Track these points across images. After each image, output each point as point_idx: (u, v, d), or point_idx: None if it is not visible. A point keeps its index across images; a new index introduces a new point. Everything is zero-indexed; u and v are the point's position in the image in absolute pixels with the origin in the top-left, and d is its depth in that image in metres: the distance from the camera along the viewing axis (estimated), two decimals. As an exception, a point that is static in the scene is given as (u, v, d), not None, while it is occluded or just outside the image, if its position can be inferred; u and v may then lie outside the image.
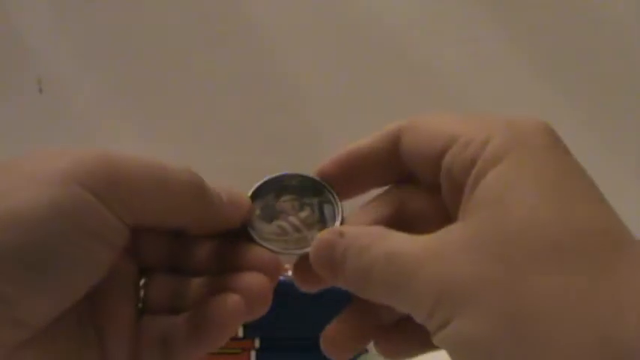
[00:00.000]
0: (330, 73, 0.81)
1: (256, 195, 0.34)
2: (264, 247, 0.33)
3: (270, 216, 0.34)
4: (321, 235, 0.30)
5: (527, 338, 0.22)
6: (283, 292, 0.73)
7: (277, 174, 0.35)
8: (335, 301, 0.74)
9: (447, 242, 0.26)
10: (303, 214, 0.34)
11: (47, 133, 0.82)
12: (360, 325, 0.35)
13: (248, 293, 0.30)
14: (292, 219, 0.34)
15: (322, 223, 0.34)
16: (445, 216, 0.29)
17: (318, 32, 0.82)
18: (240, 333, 0.70)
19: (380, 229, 0.29)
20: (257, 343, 0.70)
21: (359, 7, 0.83)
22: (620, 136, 0.81)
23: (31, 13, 0.80)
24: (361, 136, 0.33)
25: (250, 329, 0.70)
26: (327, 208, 0.34)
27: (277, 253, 0.33)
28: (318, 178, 0.34)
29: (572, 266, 0.23)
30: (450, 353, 0.25)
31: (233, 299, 0.30)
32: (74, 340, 0.28)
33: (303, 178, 0.35)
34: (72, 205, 0.25)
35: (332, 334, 0.36)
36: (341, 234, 0.29)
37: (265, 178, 0.35)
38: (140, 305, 0.31)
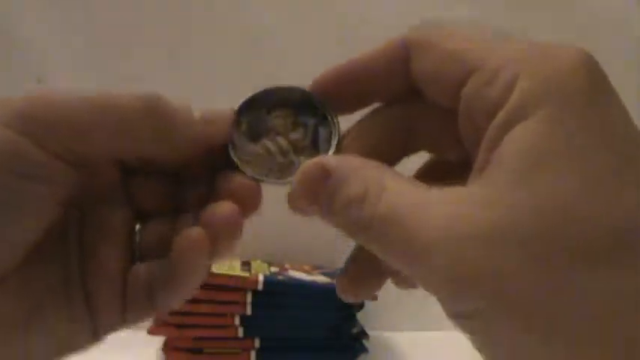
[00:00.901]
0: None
1: (247, 107, 0.30)
2: (241, 171, 0.29)
3: (258, 133, 0.30)
4: (304, 169, 0.26)
5: (573, 345, 0.20)
6: (283, 292, 0.73)
7: (276, 85, 0.30)
8: (335, 302, 0.74)
9: (468, 221, 0.21)
10: (295, 135, 0.30)
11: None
12: (371, 264, 0.30)
13: (211, 227, 0.27)
14: (280, 140, 0.30)
15: (314, 149, 0.30)
16: (460, 146, 0.26)
17: (317, 33, 0.82)
18: (241, 333, 0.70)
19: (377, 171, 0.25)
20: (257, 342, 0.70)
21: (357, 11, 0.83)
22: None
23: (31, 14, 0.80)
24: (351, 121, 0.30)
25: (250, 329, 0.70)
26: (323, 132, 0.30)
27: (256, 180, 0.29)
28: (319, 96, 0.29)
29: (622, 271, 0.20)
30: (472, 340, 0.22)
31: (192, 235, 0.27)
32: (59, 295, 0.28)
33: (304, 94, 0.30)
34: None
35: (345, 277, 0.31)
36: (326, 172, 0.26)
37: (261, 89, 0.30)
38: (137, 253, 0.30)
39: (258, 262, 0.78)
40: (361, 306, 0.75)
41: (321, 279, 0.74)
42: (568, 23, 0.81)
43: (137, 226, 0.30)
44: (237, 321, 0.69)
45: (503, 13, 0.81)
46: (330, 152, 0.29)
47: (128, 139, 0.26)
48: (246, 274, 0.70)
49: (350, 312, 0.73)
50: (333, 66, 0.29)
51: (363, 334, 0.75)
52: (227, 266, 0.71)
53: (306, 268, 0.79)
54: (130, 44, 0.81)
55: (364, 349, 0.75)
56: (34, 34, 0.80)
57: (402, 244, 0.23)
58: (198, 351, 0.70)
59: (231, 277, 0.68)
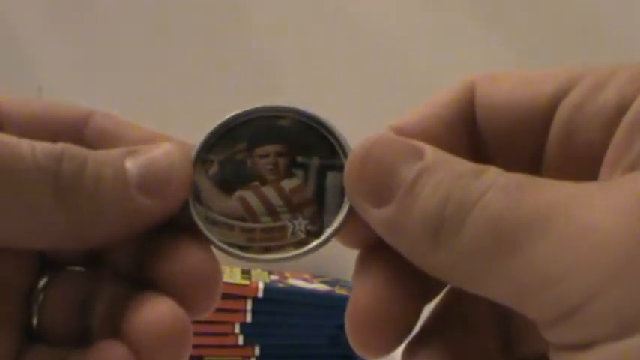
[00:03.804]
0: (328, 74, 0.82)
1: (218, 140, 0.21)
2: (204, 236, 0.20)
3: (233, 179, 0.20)
4: (368, 143, 0.18)
5: None
6: (283, 300, 0.73)
7: (262, 104, 0.21)
8: (335, 308, 0.74)
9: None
10: (290, 183, 0.20)
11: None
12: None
13: (139, 345, 0.19)
14: (267, 191, 0.20)
15: (318, 205, 0.20)
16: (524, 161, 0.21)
17: (315, 34, 0.83)
18: (241, 341, 0.70)
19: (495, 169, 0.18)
20: (257, 350, 0.70)
21: (357, 13, 0.83)
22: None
23: (32, 24, 0.80)
24: (359, 137, 0.23)
25: (250, 337, 0.70)
26: (333, 179, 0.20)
27: (226, 253, 0.20)
28: (327, 121, 0.21)
29: None
30: None
31: (115, 353, 0.19)
32: None
33: (302, 118, 0.20)
34: None
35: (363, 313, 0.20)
36: (418, 152, 0.18)
37: (238, 111, 0.21)
38: (34, 321, 0.20)
39: (259, 270, 0.78)
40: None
41: (320, 287, 0.74)
42: (568, 28, 0.81)
43: (42, 282, 0.21)
44: (237, 329, 0.69)
45: (502, 18, 0.82)
46: (345, 210, 0.20)
47: (25, 225, 0.18)
48: (246, 282, 0.70)
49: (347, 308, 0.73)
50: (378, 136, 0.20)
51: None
52: (227, 274, 0.71)
53: (306, 276, 0.79)
54: (130, 53, 0.82)
55: (363, 358, 0.75)
56: (34, 44, 0.81)
57: (548, 262, 0.16)
58: (198, 358, 0.70)
59: (231, 284, 0.69)
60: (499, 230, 0.16)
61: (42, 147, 0.18)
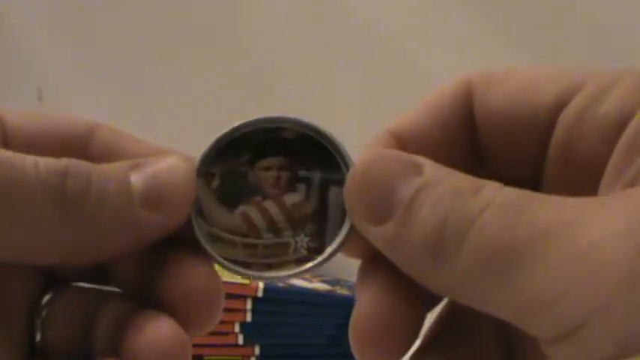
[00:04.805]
0: (326, 74, 0.82)
1: (220, 153, 0.20)
2: (206, 252, 0.20)
3: (236, 192, 0.20)
4: (368, 157, 0.18)
5: None
6: (283, 299, 0.73)
7: (264, 116, 0.20)
8: (336, 307, 0.74)
9: None
10: (292, 198, 0.20)
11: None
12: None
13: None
14: (270, 205, 0.20)
15: (320, 221, 0.20)
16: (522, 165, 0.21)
17: (314, 35, 0.83)
18: (241, 340, 0.70)
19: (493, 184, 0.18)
20: (257, 350, 0.70)
21: (354, 12, 0.83)
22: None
23: (31, 24, 0.80)
24: (361, 139, 0.22)
25: (250, 336, 0.70)
26: (336, 193, 0.20)
27: (228, 269, 0.20)
28: (328, 132, 0.20)
29: None
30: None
31: None
32: None
33: (303, 129, 0.20)
34: None
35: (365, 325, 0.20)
36: (416, 168, 0.18)
37: (240, 123, 0.20)
38: (38, 337, 0.20)
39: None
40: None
41: (321, 287, 0.74)
42: (567, 26, 0.81)
43: (46, 297, 0.21)
44: (237, 328, 0.69)
45: (500, 16, 0.82)
46: (346, 228, 0.20)
47: (28, 242, 0.18)
48: (247, 281, 0.70)
49: (350, 319, 0.73)
50: (374, 140, 0.21)
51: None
52: (227, 273, 0.71)
53: (306, 275, 0.79)
54: (128, 53, 0.82)
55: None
56: (34, 44, 0.81)
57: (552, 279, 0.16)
58: (198, 358, 0.70)
59: (231, 284, 0.68)
60: (498, 250, 0.16)
61: (46, 162, 0.18)
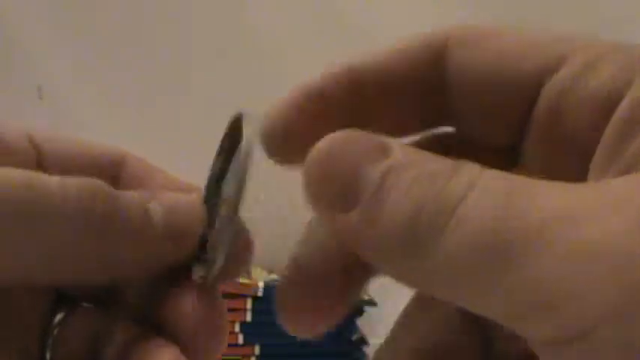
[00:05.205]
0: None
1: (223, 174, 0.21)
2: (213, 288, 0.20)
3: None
4: (325, 143, 0.16)
5: None
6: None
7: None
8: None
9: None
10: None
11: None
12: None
13: None
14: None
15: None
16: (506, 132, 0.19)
17: (312, 36, 0.83)
18: (241, 340, 0.70)
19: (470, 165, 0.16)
20: (257, 349, 0.70)
21: (357, 14, 0.83)
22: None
23: (31, 24, 0.80)
24: None
25: (250, 336, 0.70)
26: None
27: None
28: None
29: None
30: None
31: None
32: None
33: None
34: None
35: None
36: (383, 149, 0.16)
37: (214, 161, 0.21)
38: (48, 356, 0.21)
39: (258, 269, 0.78)
40: (361, 313, 0.75)
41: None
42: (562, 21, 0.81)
43: (58, 316, 0.21)
44: (237, 328, 0.69)
45: (495, 14, 0.82)
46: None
47: (59, 262, 0.18)
48: (246, 281, 0.70)
49: (350, 319, 0.73)
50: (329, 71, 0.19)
51: (363, 341, 0.75)
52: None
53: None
54: (128, 52, 0.82)
55: (364, 356, 0.75)
56: (34, 44, 0.81)
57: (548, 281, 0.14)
58: (198, 358, 0.70)
59: (231, 283, 0.69)
60: (485, 245, 0.14)
61: (74, 184, 0.18)
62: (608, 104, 0.17)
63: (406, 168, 0.16)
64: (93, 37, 0.82)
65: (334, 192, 0.16)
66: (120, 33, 0.82)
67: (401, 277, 0.16)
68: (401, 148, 0.16)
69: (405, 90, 0.19)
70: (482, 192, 0.15)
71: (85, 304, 0.22)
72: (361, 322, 0.76)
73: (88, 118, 0.84)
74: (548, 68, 0.18)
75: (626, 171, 0.16)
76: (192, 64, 0.83)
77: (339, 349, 0.74)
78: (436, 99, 0.19)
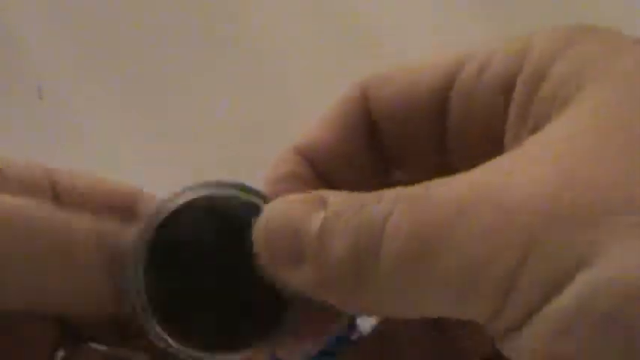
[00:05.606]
0: (325, 74, 0.81)
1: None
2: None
3: None
4: (275, 206, 0.18)
5: None
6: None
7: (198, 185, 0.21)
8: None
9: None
10: None
11: (47, 139, 0.82)
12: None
13: None
14: None
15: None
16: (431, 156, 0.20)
17: (310, 34, 0.83)
18: (240, 340, 0.70)
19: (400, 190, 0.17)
20: (257, 349, 0.70)
21: (356, 12, 0.83)
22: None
23: (31, 21, 0.80)
24: None
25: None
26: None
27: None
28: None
29: None
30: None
31: None
32: None
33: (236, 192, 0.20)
34: None
35: None
36: (320, 202, 0.17)
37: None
38: None
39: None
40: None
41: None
42: (556, 18, 0.81)
43: (60, 354, 0.21)
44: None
45: (487, 6, 0.82)
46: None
47: (82, 300, 0.19)
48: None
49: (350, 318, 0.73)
50: (276, 161, 0.20)
51: (363, 340, 0.75)
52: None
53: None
54: (130, 51, 0.82)
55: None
56: (34, 44, 0.81)
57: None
58: (199, 358, 0.70)
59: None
60: (415, 242, 0.15)
61: (99, 224, 0.20)
62: (508, 85, 0.18)
63: (342, 210, 0.17)
64: (93, 37, 0.82)
65: (283, 253, 0.17)
66: (120, 33, 0.82)
67: (360, 309, 0.17)
68: (335, 196, 0.17)
69: (348, 152, 0.20)
70: (405, 203, 0.16)
71: (87, 345, 0.22)
72: (361, 323, 0.76)
73: (88, 118, 0.84)
74: (448, 79, 0.19)
75: (534, 130, 0.17)
76: (193, 64, 0.83)
77: (339, 349, 0.74)
78: (375, 148, 0.20)
